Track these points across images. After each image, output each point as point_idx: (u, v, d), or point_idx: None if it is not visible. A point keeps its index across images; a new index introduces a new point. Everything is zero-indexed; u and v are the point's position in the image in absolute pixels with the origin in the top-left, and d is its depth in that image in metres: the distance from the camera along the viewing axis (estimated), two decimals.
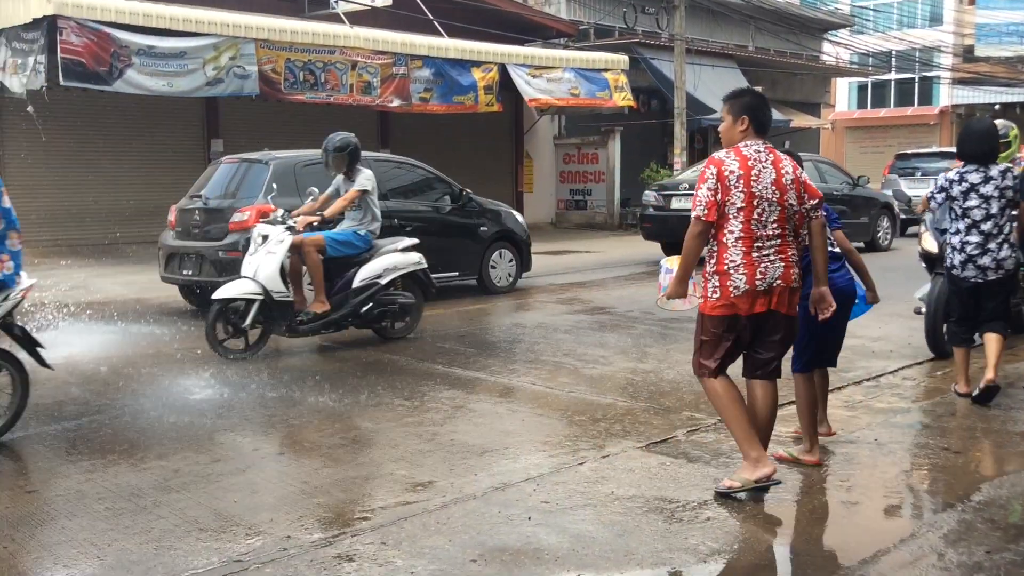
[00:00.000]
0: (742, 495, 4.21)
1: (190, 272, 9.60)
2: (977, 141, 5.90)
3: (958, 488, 4.38)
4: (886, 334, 8.06)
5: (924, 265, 7.36)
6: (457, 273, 10.91)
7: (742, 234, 4.11)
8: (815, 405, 4.89)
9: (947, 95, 38.63)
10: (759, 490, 4.21)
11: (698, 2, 24.10)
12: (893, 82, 41.07)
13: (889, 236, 16.47)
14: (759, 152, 4.19)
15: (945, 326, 6.69)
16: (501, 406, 5.98)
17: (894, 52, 35.18)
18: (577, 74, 19.21)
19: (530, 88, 18.47)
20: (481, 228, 11.11)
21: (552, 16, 22.67)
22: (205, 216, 9.70)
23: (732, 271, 4.12)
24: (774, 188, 4.13)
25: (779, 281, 4.12)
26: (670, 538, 3.81)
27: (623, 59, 20.49)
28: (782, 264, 4.13)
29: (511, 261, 11.45)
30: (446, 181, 11.07)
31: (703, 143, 26.24)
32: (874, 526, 4.05)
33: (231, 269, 8.95)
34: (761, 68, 26.75)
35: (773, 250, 4.12)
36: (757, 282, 4.09)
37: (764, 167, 4.15)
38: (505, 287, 11.36)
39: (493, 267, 11.25)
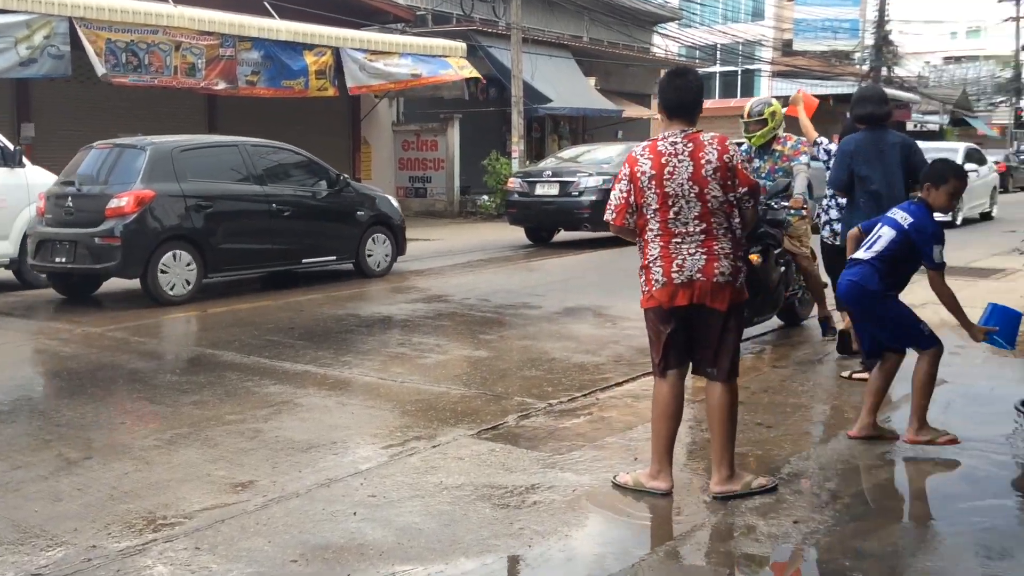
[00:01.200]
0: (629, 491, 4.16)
1: (63, 260, 9.45)
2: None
3: (769, 461, 4.59)
4: None
5: None
6: (335, 257, 11.14)
7: (660, 231, 4.02)
8: (877, 394, 4.87)
9: (767, 87, 40.70)
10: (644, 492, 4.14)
11: None
12: (718, 74, 42.96)
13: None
14: (676, 144, 4.00)
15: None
16: (330, 399, 5.84)
17: (719, 45, 36.77)
18: (416, 60, 19.03)
19: (362, 74, 18.11)
20: (358, 213, 11.29)
21: (389, 1, 22.37)
22: (78, 202, 9.53)
23: (652, 264, 4.04)
24: (691, 183, 3.94)
25: (699, 275, 3.95)
26: (496, 525, 3.81)
27: (461, 46, 20.49)
28: (704, 257, 3.95)
29: (386, 243, 11.66)
30: (323, 167, 11.27)
31: (540, 132, 26.66)
32: (689, 505, 4.19)
33: (108, 256, 9.19)
34: (595, 59, 27.34)
35: (696, 244, 3.97)
36: (673, 275, 3.97)
37: (680, 161, 3.96)
38: (382, 271, 11.56)
39: (370, 253, 11.42)
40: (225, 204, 9.94)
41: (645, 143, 4.14)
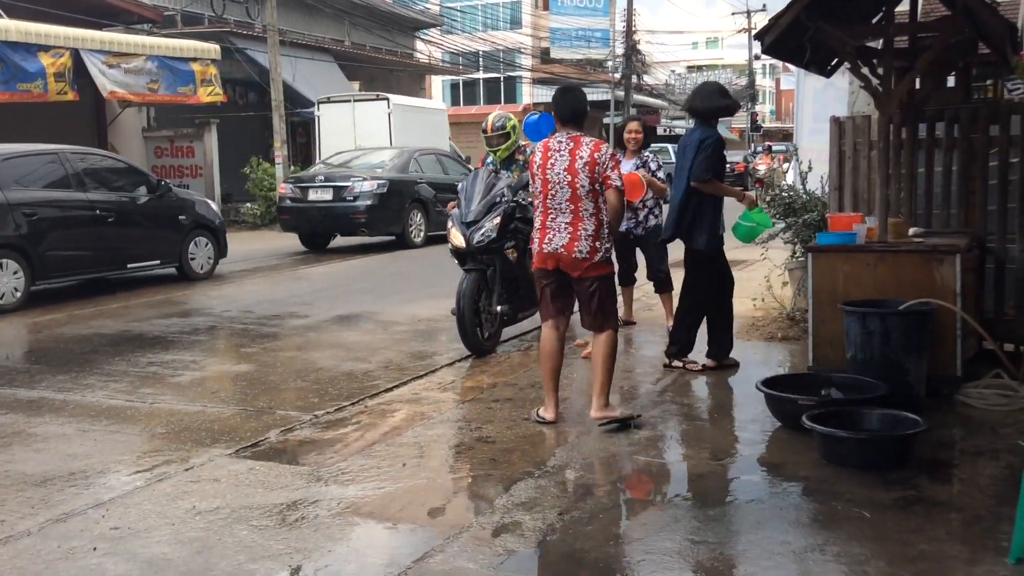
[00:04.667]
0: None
1: None
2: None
3: (535, 456, 4.64)
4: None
5: (456, 261, 7.16)
6: (159, 261, 11.30)
7: (543, 209, 5.06)
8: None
9: (529, 93, 42.03)
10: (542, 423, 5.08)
11: None
12: (482, 81, 43.83)
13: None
14: (561, 143, 5.01)
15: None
16: (70, 427, 5.32)
17: (481, 52, 37.47)
18: (161, 64, 17.88)
19: (105, 79, 16.88)
20: (180, 217, 11.46)
21: (132, 0, 21.02)
22: None
23: (535, 233, 5.12)
24: (565, 173, 4.93)
25: (562, 249, 4.96)
26: (254, 548, 3.59)
27: (214, 48, 19.54)
28: (568, 235, 4.95)
29: (208, 245, 11.86)
30: (143, 173, 11.66)
31: (305, 136, 25.99)
32: (456, 508, 4.15)
33: None
34: (358, 63, 27.07)
35: (565, 223, 4.96)
36: (544, 245, 5.04)
37: (560, 156, 4.96)
38: (205, 273, 11.75)
39: (192, 256, 11.61)
40: (50, 211, 9.93)
41: (542, 142, 5.17)
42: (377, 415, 5.49)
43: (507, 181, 7.08)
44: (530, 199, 6.91)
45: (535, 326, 7.67)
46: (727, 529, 3.72)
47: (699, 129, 6.23)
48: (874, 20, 6.51)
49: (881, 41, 5.92)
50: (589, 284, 5.01)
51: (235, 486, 4.27)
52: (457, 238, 6.92)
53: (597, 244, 4.97)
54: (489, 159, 7.69)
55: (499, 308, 7.00)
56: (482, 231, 6.80)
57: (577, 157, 4.93)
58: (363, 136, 20.48)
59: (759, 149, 42.24)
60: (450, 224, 7.08)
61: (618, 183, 4.98)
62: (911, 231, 6.05)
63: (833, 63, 6.97)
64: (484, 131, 7.64)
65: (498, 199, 6.92)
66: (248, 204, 21.21)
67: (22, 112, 17.09)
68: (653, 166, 7.57)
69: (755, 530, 3.67)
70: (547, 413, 5.16)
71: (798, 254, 7.96)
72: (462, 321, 6.77)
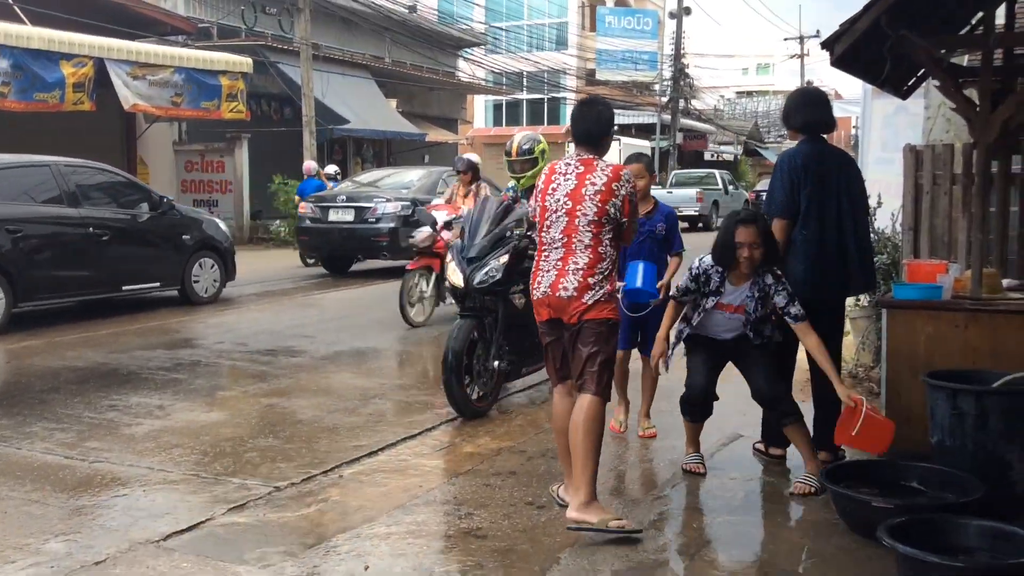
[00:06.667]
0: None
1: None
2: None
3: (534, 564, 3.66)
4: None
5: (452, 300, 6.30)
6: (158, 283, 10.58)
7: (539, 244, 4.15)
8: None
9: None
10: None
11: (327, 7, 23.13)
12: (525, 101, 43.05)
13: None
14: (569, 165, 4.09)
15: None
16: None
17: (525, 73, 36.73)
18: (188, 78, 17.27)
19: (128, 90, 16.28)
20: (183, 236, 10.73)
21: (165, 10, 20.53)
22: None
23: (533, 277, 4.16)
24: (567, 199, 4.00)
25: (548, 290, 4.03)
26: None
27: (247, 61, 18.92)
28: (555, 273, 4.02)
29: (214, 268, 11.11)
30: (145, 188, 10.91)
31: (342, 154, 25.27)
32: None
33: None
34: (397, 81, 26.41)
35: (556, 259, 4.04)
36: (534, 290, 4.13)
37: (566, 180, 4.05)
38: (210, 296, 11.02)
39: (196, 279, 10.87)
40: (37, 228, 9.23)
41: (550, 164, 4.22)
42: (350, 490, 4.55)
43: (521, 212, 5.94)
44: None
45: (541, 379, 6.50)
46: None
47: (839, 151, 4.89)
48: (962, 31, 5.51)
49: (967, 57, 4.93)
50: (578, 331, 3.98)
51: None
52: (455, 275, 5.85)
53: (591, 280, 3.96)
54: (510, 186, 6.77)
55: (496, 364, 5.86)
56: (485, 270, 5.69)
57: (587, 183, 4.00)
58: None
59: None
60: (449, 258, 6.01)
61: (631, 223, 4.09)
62: (1004, 283, 5.01)
63: (911, 83, 5.95)
64: (508, 154, 6.72)
65: (507, 233, 5.85)
66: (277, 221, 20.54)
67: (47, 124, 16.58)
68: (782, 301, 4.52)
69: None
70: (567, 494, 4.12)
71: (862, 301, 6.91)
72: (448, 377, 5.62)
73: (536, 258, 4.16)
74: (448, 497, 4.45)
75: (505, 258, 5.70)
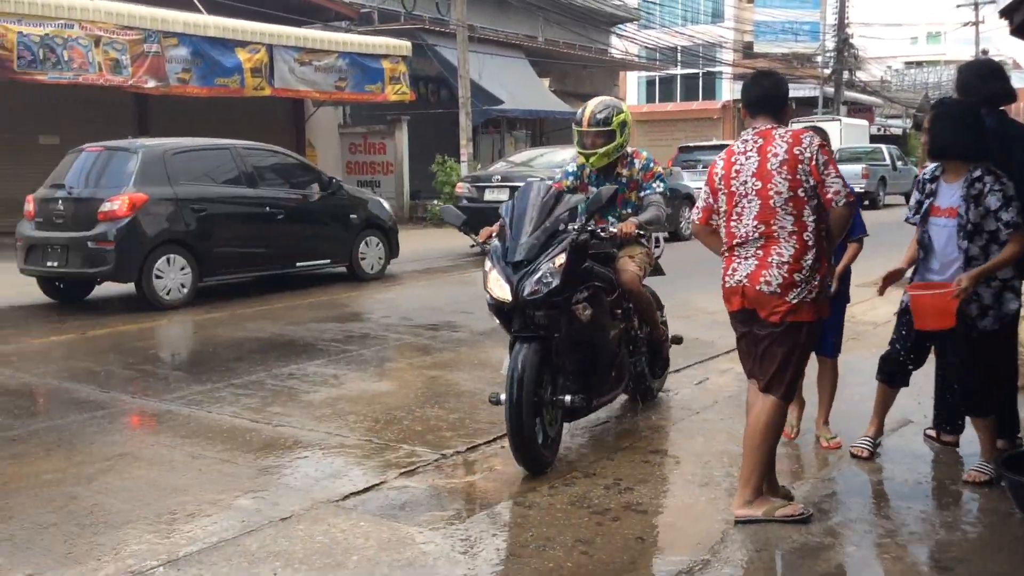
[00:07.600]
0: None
1: (55, 264, 9.37)
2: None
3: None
4: None
5: (498, 321, 4.69)
6: (329, 260, 11.06)
7: (728, 233, 3.84)
8: None
9: (729, 90, 40.15)
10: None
11: None
12: (679, 77, 42.34)
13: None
14: (747, 142, 3.81)
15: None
16: (181, 451, 4.86)
17: (679, 47, 36.10)
18: (352, 62, 17.97)
19: (291, 76, 17.07)
20: (351, 216, 11.20)
21: None
22: (70, 206, 9.39)
23: (723, 267, 3.90)
24: (754, 179, 3.71)
25: (745, 281, 3.73)
26: None
27: (406, 45, 19.51)
28: (755, 262, 3.71)
29: (379, 246, 11.55)
30: (315, 170, 11.45)
31: (498, 134, 25.66)
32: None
33: (101, 260, 9.03)
34: (551, 60, 26.50)
35: (755, 248, 3.73)
36: (726, 278, 3.84)
37: (748, 158, 3.76)
38: (376, 273, 11.46)
39: (363, 256, 11.33)
40: (219, 207, 9.81)
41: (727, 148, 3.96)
42: (511, 461, 4.68)
43: (576, 201, 4.78)
44: (614, 230, 4.95)
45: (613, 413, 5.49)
46: None
47: (1020, 124, 4.52)
48: None
49: None
50: (779, 333, 3.69)
51: (325, 554, 3.59)
52: (499, 287, 4.41)
53: (796, 276, 3.62)
54: (571, 168, 5.48)
55: (568, 399, 4.55)
56: (537, 276, 4.35)
57: (769, 155, 3.67)
58: None
59: None
60: (488, 265, 4.54)
61: (840, 189, 3.61)
62: None
63: None
64: (577, 123, 5.23)
65: (561, 227, 4.53)
66: (436, 201, 21.11)
67: (223, 109, 17.62)
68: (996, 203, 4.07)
69: None
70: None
71: None
72: (517, 418, 4.26)
73: (729, 247, 3.82)
74: (606, 471, 4.54)
75: (561, 258, 4.41)
